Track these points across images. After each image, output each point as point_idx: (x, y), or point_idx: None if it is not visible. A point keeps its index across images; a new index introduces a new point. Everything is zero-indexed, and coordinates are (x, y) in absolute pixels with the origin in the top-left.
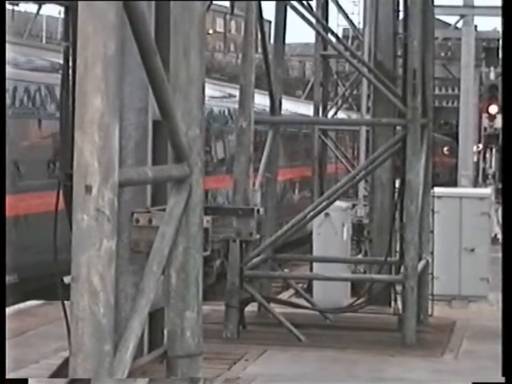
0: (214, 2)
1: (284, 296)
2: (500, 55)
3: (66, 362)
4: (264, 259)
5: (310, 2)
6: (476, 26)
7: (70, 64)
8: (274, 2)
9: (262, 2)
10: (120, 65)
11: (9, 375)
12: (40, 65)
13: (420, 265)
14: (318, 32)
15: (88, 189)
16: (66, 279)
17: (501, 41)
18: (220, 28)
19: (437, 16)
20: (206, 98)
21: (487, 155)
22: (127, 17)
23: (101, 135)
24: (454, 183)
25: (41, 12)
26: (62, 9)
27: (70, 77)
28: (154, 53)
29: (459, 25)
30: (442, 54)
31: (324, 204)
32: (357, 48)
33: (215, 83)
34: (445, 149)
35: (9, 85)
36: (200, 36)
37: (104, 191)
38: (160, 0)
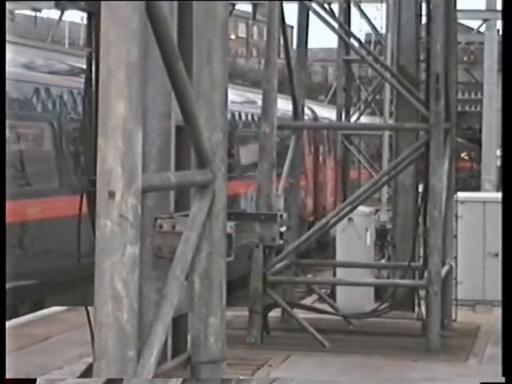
0: (236, 8)
1: (307, 301)
2: None
3: (90, 368)
4: (288, 264)
5: (332, 7)
6: (498, 31)
7: (93, 70)
8: (296, 8)
9: (285, 8)
10: (143, 70)
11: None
12: None
13: (444, 270)
14: (340, 37)
15: (112, 194)
16: None
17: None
18: (242, 33)
19: (460, 21)
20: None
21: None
22: (149, 22)
23: (124, 141)
24: (468, 189)
25: (63, 18)
26: (85, 15)
27: (93, 83)
28: (177, 58)
29: (482, 29)
30: (465, 59)
31: (347, 208)
32: (379, 53)
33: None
34: (463, 154)
35: None
36: (223, 41)
37: (128, 196)
38: (182, 0)
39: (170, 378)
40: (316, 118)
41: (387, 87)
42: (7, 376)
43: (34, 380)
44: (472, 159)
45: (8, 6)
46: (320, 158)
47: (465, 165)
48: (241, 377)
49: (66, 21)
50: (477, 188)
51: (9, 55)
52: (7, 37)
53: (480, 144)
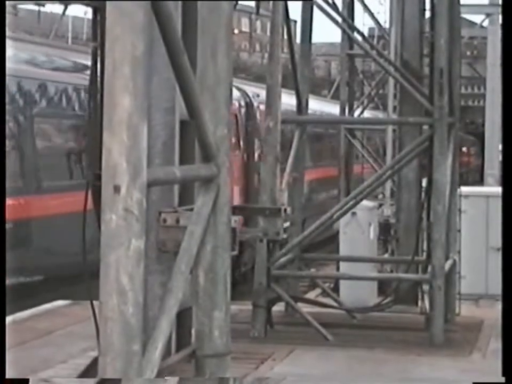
0: (239, 2)
1: (311, 295)
2: None
3: (94, 362)
4: (291, 259)
5: (336, 1)
6: (501, 25)
7: (98, 64)
8: (300, 2)
9: (288, 3)
10: (148, 65)
11: (37, 375)
12: None
13: (447, 265)
14: (344, 31)
15: (117, 188)
16: None
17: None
18: (245, 28)
19: (463, 15)
20: None
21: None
22: (155, 17)
23: (130, 135)
24: (465, 185)
25: (67, 13)
26: (88, 9)
27: (98, 77)
28: (182, 53)
29: (485, 24)
30: (468, 53)
31: (351, 203)
32: (383, 48)
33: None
34: (463, 148)
35: None
36: (228, 36)
37: (133, 191)
38: (187, 0)
39: (169, 378)
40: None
41: (391, 81)
42: (7, 376)
43: (27, 380)
44: (471, 154)
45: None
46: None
47: (463, 159)
48: (237, 376)
49: (70, 16)
50: (474, 184)
51: None
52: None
53: (482, 139)
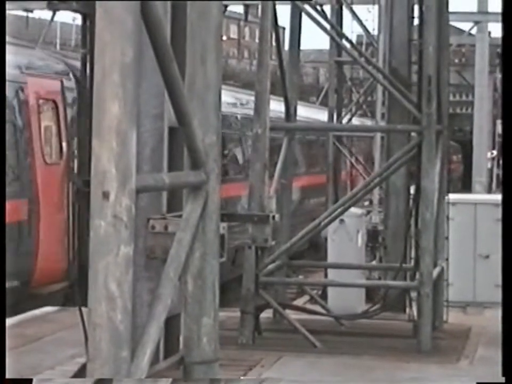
0: (227, 9)
1: (299, 302)
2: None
3: (83, 368)
4: (279, 265)
5: (324, 8)
6: (489, 33)
7: (88, 71)
8: (289, 9)
9: (277, 9)
10: (137, 72)
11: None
12: None
13: (435, 272)
14: (332, 38)
15: (106, 195)
16: None
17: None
18: (233, 35)
19: (451, 23)
20: None
21: (501, 161)
22: (144, 24)
23: (119, 142)
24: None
25: (55, 19)
26: (77, 16)
27: (88, 84)
28: (171, 59)
29: (473, 31)
30: (456, 61)
31: (339, 210)
32: (371, 55)
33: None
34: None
35: None
36: (217, 43)
37: (122, 197)
38: (176, 0)
39: (160, 379)
40: None
41: (379, 88)
42: (7, 376)
43: (30, 380)
44: (454, 161)
45: None
46: None
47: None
48: (230, 378)
49: (58, 22)
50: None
51: None
52: None
53: (470, 146)
